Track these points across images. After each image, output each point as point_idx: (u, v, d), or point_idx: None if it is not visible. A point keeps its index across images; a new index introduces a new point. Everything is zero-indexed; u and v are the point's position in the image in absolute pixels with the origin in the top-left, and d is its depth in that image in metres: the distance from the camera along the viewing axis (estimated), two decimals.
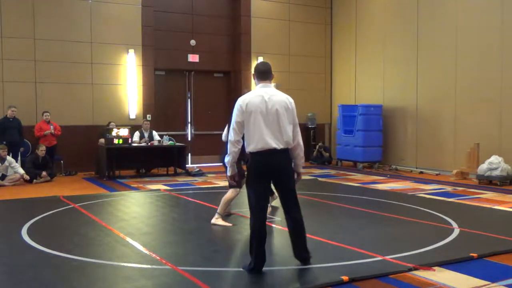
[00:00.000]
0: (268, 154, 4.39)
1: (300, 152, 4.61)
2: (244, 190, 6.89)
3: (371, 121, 13.48)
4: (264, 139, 4.37)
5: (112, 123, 12.32)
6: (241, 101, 4.47)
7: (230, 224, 6.50)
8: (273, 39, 15.21)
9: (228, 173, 4.63)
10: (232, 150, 4.48)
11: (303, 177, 12.01)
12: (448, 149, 12.22)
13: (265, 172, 4.44)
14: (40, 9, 12.42)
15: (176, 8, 14.28)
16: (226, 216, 6.87)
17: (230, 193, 6.62)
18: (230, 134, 4.49)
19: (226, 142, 4.91)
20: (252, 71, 4.66)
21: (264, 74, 4.58)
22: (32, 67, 12.35)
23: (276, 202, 7.19)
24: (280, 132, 4.42)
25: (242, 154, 5.85)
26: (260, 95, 4.46)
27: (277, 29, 15.27)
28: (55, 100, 12.47)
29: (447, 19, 12.26)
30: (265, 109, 4.40)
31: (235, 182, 4.82)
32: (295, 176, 4.65)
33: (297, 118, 4.59)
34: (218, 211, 6.63)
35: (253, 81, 16.61)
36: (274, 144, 4.39)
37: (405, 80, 13.42)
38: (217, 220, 6.55)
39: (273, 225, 6.51)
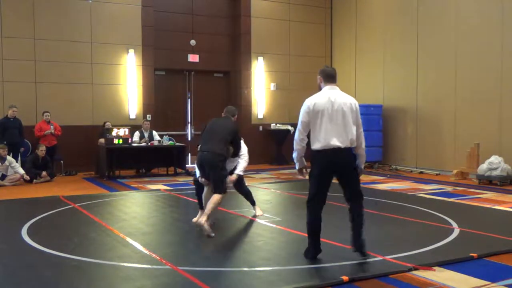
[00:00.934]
0: (332, 152, 4.65)
1: (362, 151, 4.92)
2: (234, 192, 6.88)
3: (371, 121, 13.46)
4: (330, 138, 4.64)
5: (107, 123, 12.32)
6: (308, 102, 4.73)
7: (213, 234, 5.83)
8: (273, 39, 15.21)
9: (297, 167, 4.86)
10: (297, 148, 4.75)
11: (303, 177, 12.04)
12: (448, 149, 12.22)
13: (329, 169, 4.71)
14: (40, 9, 12.42)
15: (176, 8, 14.28)
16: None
17: (218, 196, 6.09)
18: (296, 133, 4.76)
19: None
20: (318, 73, 4.93)
21: (331, 77, 4.87)
22: (32, 67, 12.36)
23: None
24: (345, 131, 4.68)
25: (224, 156, 6.03)
26: (326, 96, 4.73)
27: (277, 29, 15.27)
28: (55, 100, 12.46)
29: (447, 19, 12.26)
30: (330, 109, 4.66)
31: (302, 175, 4.94)
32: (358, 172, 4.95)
33: (360, 119, 4.87)
34: (206, 211, 5.98)
35: (253, 81, 16.55)
36: (339, 142, 4.64)
37: (405, 80, 13.42)
38: (205, 222, 5.88)
39: (273, 225, 6.51)
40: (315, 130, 4.70)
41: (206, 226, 5.81)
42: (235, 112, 6.53)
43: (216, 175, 5.97)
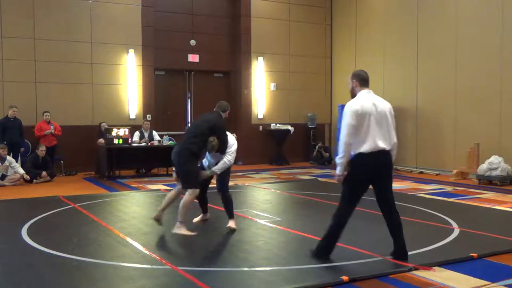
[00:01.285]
0: (378, 155, 4.70)
1: (395, 152, 5.00)
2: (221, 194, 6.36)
3: None
4: (377, 140, 4.70)
5: (103, 124, 12.33)
6: (357, 105, 4.71)
7: (193, 233, 5.77)
8: (273, 39, 15.21)
9: (340, 172, 4.73)
10: (346, 151, 4.67)
11: (303, 177, 12.07)
12: (448, 149, 12.22)
13: (372, 172, 4.74)
14: (40, 9, 12.42)
15: (176, 8, 14.29)
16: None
17: (187, 195, 5.88)
18: (345, 137, 4.66)
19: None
20: (352, 77, 4.96)
21: (367, 81, 4.93)
22: (32, 67, 12.36)
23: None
24: (388, 134, 4.81)
25: (191, 150, 5.79)
26: (370, 100, 4.79)
27: (277, 29, 15.27)
28: (55, 100, 12.47)
29: (447, 19, 12.26)
30: (375, 112, 4.73)
31: (341, 180, 4.82)
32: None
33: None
34: (179, 219, 5.83)
35: (253, 81, 16.51)
36: (384, 145, 4.75)
37: (405, 80, 13.42)
38: (180, 229, 5.79)
39: (273, 225, 6.51)
40: (361, 133, 4.68)
41: (183, 231, 5.71)
42: (227, 108, 6.26)
43: (181, 170, 5.86)
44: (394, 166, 13.35)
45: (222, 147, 6.03)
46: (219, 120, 6.10)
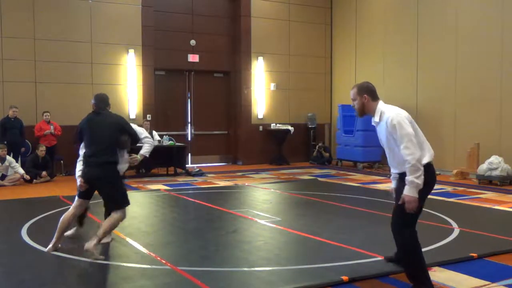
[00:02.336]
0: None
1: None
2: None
3: (371, 121, 13.43)
4: (430, 147, 4.21)
5: None
6: (404, 114, 4.15)
7: (101, 257, 4.98)
8: (273, 39, 15.21)
9: (416, 193, 3.91)
10: (421, 167, 3.91)
11: (303, 177, 12.08)
12: (448, 149, 12.22)
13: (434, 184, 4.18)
14: (40, 9, 12.41)
15: (176, 8, 14.28)
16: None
17: (73, 209, 5.38)
18: (412, 152, 3.91)
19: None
20: (359, 93, 4.30)
21: (376, 92, 4.35)
22: (32, 67, 12.35)
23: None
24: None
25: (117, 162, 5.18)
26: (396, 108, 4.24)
27: (277, 29, 15.27)
28: (55, 100, 12.46)
29: (447, 19, 12.26)
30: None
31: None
32: None
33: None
34: (100, 233, 5.03)
35: (253, 81, 16.43)
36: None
37: (405, 79, 13.42)
38: (94, 247, 4.95)
39: (273, 225, 6.51)
40: (419, 142, 4.09)
41: (95, 251, 4.92)
42: (108, 100, 5.53)
43: (113, 189, 5.17)
44: None
45: (134, 142, 5.51)
46: (119, 117, 5.46)
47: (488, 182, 10.42)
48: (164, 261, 4.86)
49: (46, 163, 11.24)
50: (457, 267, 4.67)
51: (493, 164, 10.27)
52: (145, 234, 6.15)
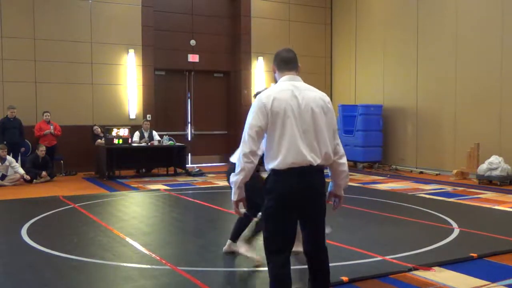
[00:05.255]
0: (300, 173, 3.09)
1: (344, 166, 3.38)
2: None
3: (371, 121, 13.47)
4: (299, 151, 3.09)
5: (95, 127, 12.36)
6: (264, 97, 3.13)
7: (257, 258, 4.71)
8: (273, 39, 15.19)
9: (234, 198, 3.16)
10: (245, 166, 3.08)
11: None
12: (448, 149, 12.22)
13: (293, 199, 3.12)
14: (40, 9, 12.41)
15: (176, 8, 14.28)
16: None
17: None
18: (243, 144, 3.13)
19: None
20: (273, 62, 3.35)
21: (289, 62, 3.28)
22: (32, 67, 12.35)
23: None
24: (317, 142, 3.15)
25: None
26: (288, 90, 3.17)
27: (277, 29, 15.27)
28: (55, 100, 12.46)
29: (447, 19, 12.25)
30: (297, 109, 3.12)
31: (243, 210, 3.33)
32: (333, 202, 3.53)
33: (336, 125, 3.38)
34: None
35: (253, 81, 16.44)
36: (310, 157, 3.11)
37: (405, 80, 13.42)
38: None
39: None
40: (273, 140, 3.11)
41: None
42: None
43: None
44: (394, 166, 13.57)
45: None
46: None
47: (488, 182, 10.42)
48: (164, 261, 4.86)
49: (46, 163, 11.24)
50: (457, 267, 4.67)
51: (493, 164, 10.28)
52: (145, 234, 6.15)
